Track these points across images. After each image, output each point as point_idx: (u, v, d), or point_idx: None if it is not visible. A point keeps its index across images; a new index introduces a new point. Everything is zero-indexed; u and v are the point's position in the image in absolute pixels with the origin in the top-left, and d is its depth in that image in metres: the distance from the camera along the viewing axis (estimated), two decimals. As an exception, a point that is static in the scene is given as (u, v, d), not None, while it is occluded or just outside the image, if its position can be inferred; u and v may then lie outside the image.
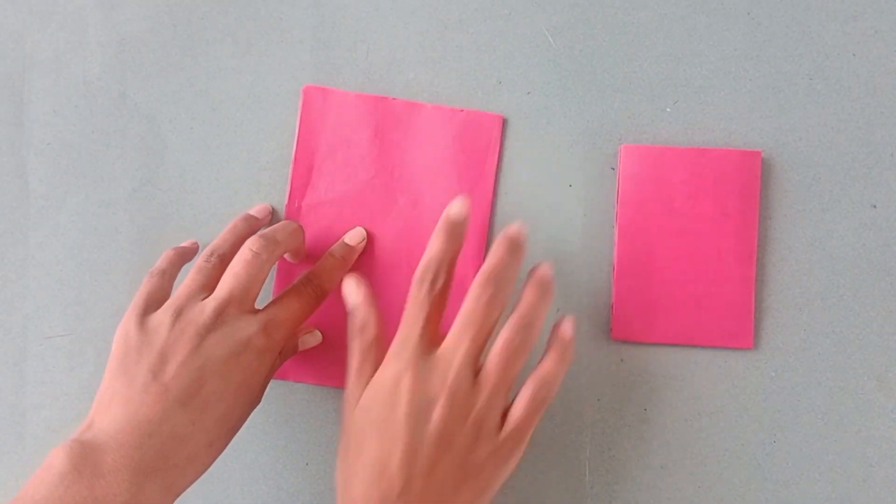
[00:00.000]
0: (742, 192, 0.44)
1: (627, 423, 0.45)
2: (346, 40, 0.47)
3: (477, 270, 0.44)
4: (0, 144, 0.48)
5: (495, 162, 0.46)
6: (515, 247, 0.37)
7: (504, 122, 0.46)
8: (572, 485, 0.45)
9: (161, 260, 0.41)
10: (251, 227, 0.43)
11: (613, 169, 0.46)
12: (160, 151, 0.47)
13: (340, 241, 0.45)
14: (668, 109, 0.46)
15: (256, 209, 0.45)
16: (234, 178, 0.47)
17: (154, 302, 0.38)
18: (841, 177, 0.45)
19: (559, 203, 0.46)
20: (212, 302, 0.37)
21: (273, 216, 0.46)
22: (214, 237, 0.46)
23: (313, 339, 0.45)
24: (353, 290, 0.39)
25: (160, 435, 0.34)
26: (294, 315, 0.39)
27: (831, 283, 0.45)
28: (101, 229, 0.47)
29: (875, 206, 0.45)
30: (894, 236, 0.45)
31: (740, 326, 0.44)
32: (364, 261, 0.46)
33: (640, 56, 0.46)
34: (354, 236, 0.45)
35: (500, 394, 0.36)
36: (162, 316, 0.37)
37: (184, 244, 0.44)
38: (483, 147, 0.46)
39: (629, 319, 0.44)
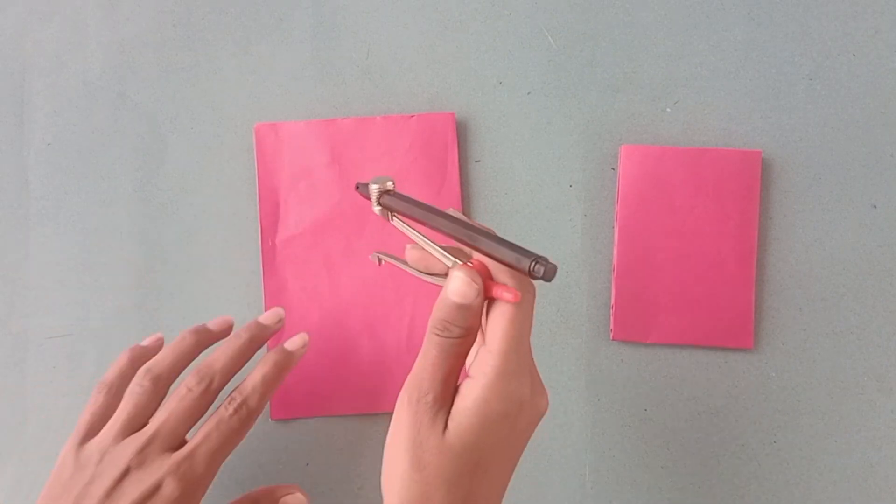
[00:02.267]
0: (742, 192, 0.44)
1: (627, 423, 0.45)
2: (346, 40, 0.47)
3: None
4: (0, 144, 0.48)
5: (456, 159, 0.46)
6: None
7: (455, 119, 0.46)
8: (572, 485, 0.45)
9: (111, 371, 0.41)
10: (199, 341, 0.41)
11: (613, 169, 0.46)
12: (160, 151, 0.47)
13: (279, 346, 0.41)
14: (668, 109, 0.46)
15: (214, 322, 0.42)
16: (235, 179, 0.47)
17: (96, 425, 0.39)
18: (841, 177, 0.45)
19: (559, 203, 0.46)
20: (135, 441, 0.37)
21: (234, 326, 0.43)
22: (214, 238, 0.46)
23: (296, 502, 0.41)
24: (471, 292, 0.32)
25: None
26: (215, 448, 0.38)
27: (831, 283, 0.45)
28: (101, 229, 0.47)
29: (875, 206, 0.45)
30: (894, 236, 0.45)
31: (740, 326, 0.44)
32: (347, 277, 0.45)
33: (640, 56, 0.46)
34: (296, 341, 0.42)
35: None
36: (93, 450, 0.38)
37: (144, 342, 0.43)
38: (441, 147, 0.46)
39: (629, 319, 0.44)
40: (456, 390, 0.33)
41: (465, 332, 0.32)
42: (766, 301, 0.45)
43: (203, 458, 0.37)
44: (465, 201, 0.46)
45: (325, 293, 0.45)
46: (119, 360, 0.41)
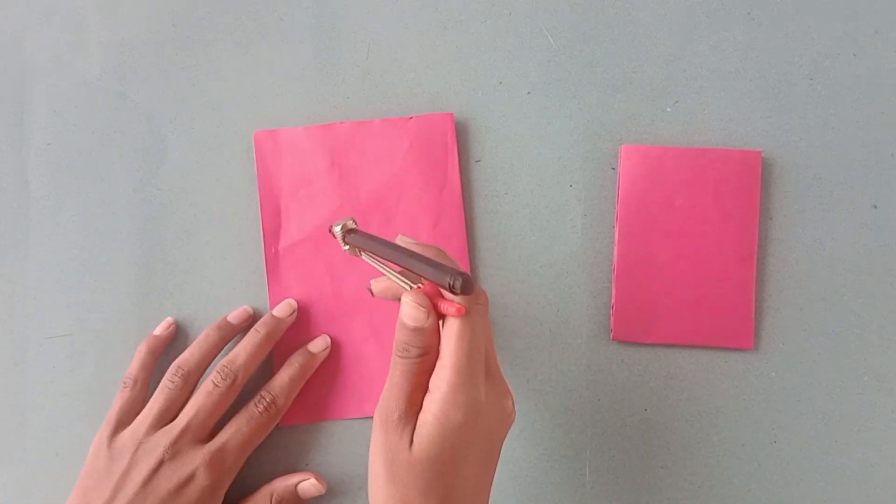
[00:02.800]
0: (742, 192, 0.44)
1: (627, 423, 0.45)
2: (346, 40, 0.47)
3: (463, 265, 0.45)
4: (0, 145, 0.48)
5: (456, 159, 0.46)
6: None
7: (454, 119, 0.46)
8: (572, 485, 0.45)
9: (133, 364, 0.43)
10: (223, 337, 0.44)
11: (614, 169, 0.46)
12: (160, 151, 0.47)
13: (303, 348, 0.44)
14: (668, 109, 0.46)
15: (234, 314, 0.45)
16: (234, 178, 0.47)
17: (126, 417, 0.42)
18: (841, 177, 0.45)
19: (559, 203, 0.46)
20: (168, 434, 0.40)
21: (255, 316, 0.46)
22: (214, 238, 0.46)
23: (313, 489, 0.44)
24: (420, 315, 0.34)
25: None
26: (245, 441, 0.41)
27: (831, 283, 0.45)
28: (102, 229, 0.47)
29: (875, 206, 0.45)
30: (894, 236, 0.45)
31: (740, 327, 0.44)
32: (350, 282, 0.45)
33: (640, 56, 0.46)
34: (318, 343, 0.45)
35: None
36: (127, 440, 0.40)
37: (156, 331, 0.45)
38: (441, 147, 0.46)
39: (629, 319, 0.44)
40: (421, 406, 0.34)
41: (422, 351, 0.34)
42: (766, 301, 0.45)
43: (233, 450, 0.41)
44: (466, 201, 0.46)
45: (329, 298, 0.45)
46: (138, 353, 0.44)
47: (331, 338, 0.45)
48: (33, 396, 0.46)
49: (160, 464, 0.39)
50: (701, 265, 0.44)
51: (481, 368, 0.34)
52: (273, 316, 0.44)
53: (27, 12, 0.48)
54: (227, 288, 0.46)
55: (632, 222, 0.45)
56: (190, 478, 0.39)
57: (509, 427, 0.37)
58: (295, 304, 0.45)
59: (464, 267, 0.45)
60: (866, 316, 0.45)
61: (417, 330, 0.34)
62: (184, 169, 0.47)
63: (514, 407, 0.37)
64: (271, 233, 0.46)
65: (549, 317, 0.45)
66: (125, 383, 0.43)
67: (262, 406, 0.42)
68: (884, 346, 0.44)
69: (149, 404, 0.42)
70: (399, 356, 0.35)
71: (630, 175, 0.45)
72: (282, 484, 0.43)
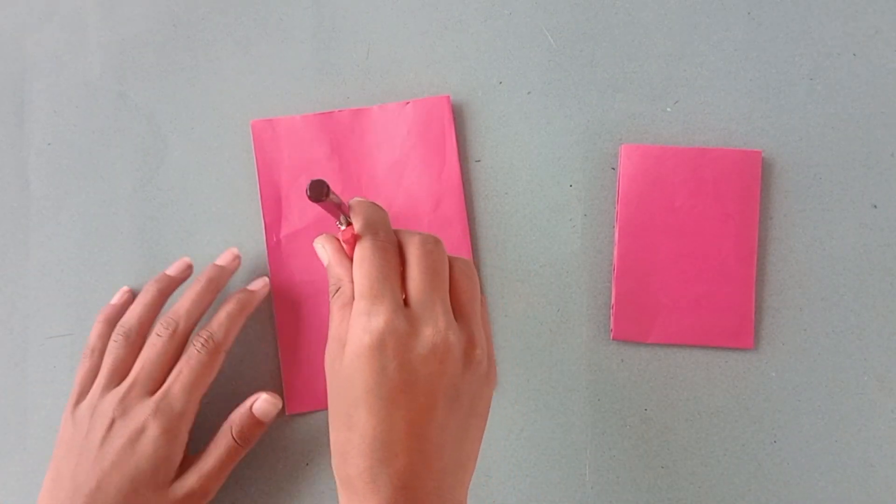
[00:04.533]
0: (742, 192, 0.44)
1: (627, 423, 0.45)
2: (346, 40, 0.47)
3: (464, 252, 0.45)
4: (1, 145, 0.48)
5: (454, 142, 0.46)
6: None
7: (451, 102, 0.46)
8: (572, 485, 0.45)
9: (91, 335, 0.43)
10: (162, 290, 0.44)
11: (614, 169, 0.46)
12: (160, 151, 0.47)
13: (242, 287, 0.44)
14: (668, 109, 0.46)
15: (173, 266, 0.45)
16: (235, 178, 0.47)
17: (86, 387, 0.42)
18: (841, 177, 0.45)
19: (559, 203, 0.46)
20: (117, 393, 0.40)
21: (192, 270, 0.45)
22: (214, 238, 0.46)
23: (269, 406, 0.43)
24: (321, 251, 0.38)
25: None
26: (188, 382, 0.41)
27: (831, 283, 0.45)
28: (102, 229, 0.47)
29: (875, 206, 0.45)
30: (894, 236, 0.45)
31: (740, 326, 0.44)
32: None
33: (640, 56, 0.46)
34: (257, 283, 0.45)
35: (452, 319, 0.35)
36: (84, 408, 0.41)
37: (113, 300, 0.45)
38: (438, 131, 0.46)
39: (629, 319, 0.44)
40: None
41: (335, 286, 0.37)
42: (766, 301, 0.45)
43: (178, 393, 0.40)
44: (466, 201, 0.46)
45: None
46: (96, 324, 0.44)
47: None
48: (33, 396, 0.46)
49: (112, 422, 0.40)
50: (701, 265, 0.44)
51: (391, 296, 0.34)
52: (215, 265, 0.44)
53: (27, 12, 0.48)
54: (227, 288, 0.46)
55: (632, 222, 0.45)
56: (141, 430, 0.39)
57: (478, 379, 0.35)
58: (237, 252, 0.45)
59: (465, 253, 0.45)
60: (866, 316, 0.45)
61: (328, 267, 0.37)
62: (184, 169, 0.47)
63: (487, 362, 0.36)
64: (272, 222, 0.46)
65: (549, 317, 0.45)
66: (85, 354, 0.43)
67: (198, 343, 0.41)
68: (884, 346, 0.44)
69: (100, 370, 0.42)
70: (330, 299, 0.37)
71: (630, 175, 0.45)
72: (237, 414, 0.42)
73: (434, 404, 0.33)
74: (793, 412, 0.44)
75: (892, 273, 0.45)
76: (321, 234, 0.41)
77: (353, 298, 0.35)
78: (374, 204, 0.38)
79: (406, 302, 0.34)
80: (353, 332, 0.33)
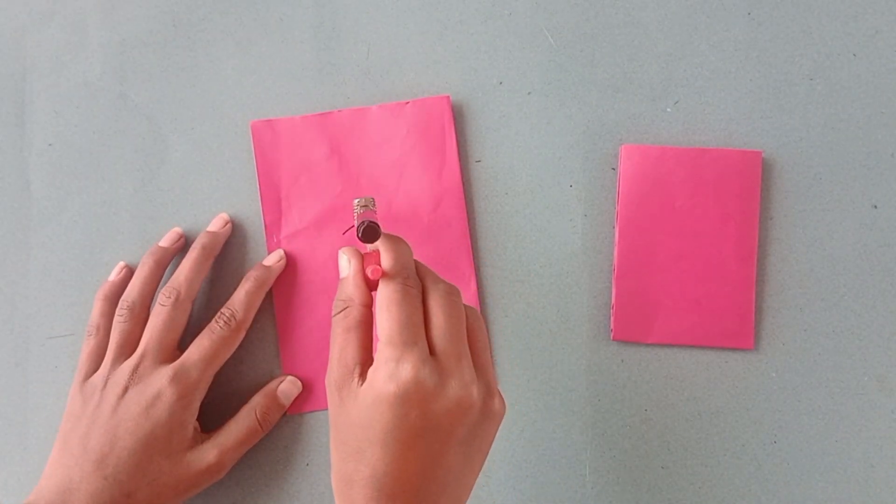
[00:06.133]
0: (742, 192, 0.44)
1: (627, 423, 0.45)
2: (346, 40, 0.47)
3: (463, 257, 0.45)
4: (1, 145, 0.48)
5: (454, 142, 0.46)
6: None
7: (451, 102, 0.46)
8: (572, 485, 0.45)
9: (93, 314, 0.44)
10: (158, 261, 0.44)
11: (614, 169, 0.46)
12: (160, 151, 0.47)
13: (258, 263, 0.45)
14: (668, 109, 0.46)
15: (165, 238, 0.46)
16: (235, 178, 0.47)
17: (93, 363, 0.43)
18: (841, 177, 0.45)
19: (559, 203, 0.46)
20: (130, 363, 0.41)
21: (188, 239, 0.46)
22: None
23: (293, 387, 0.45)
24: (344, 264, 0.38)
25: (79, 493, 0.38)
26: (208, 354, 0.41)
27: (831, 283, 0.45)
28: (102, 229, 0.47)
29: (875, 206, 0.45)
30: (894, 236, 0.45)
31: (740, 327, 0.44)
32: None
33: (640, 56, 0.46)
34: (272, 257, 0.45)
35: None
36: (96, 380, 0.41)
37: (111, 277, 0.45)
38: (438, 131, 0.46)
39: (629, 319, 0.44)
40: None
41: (345, 304, 0.36)
42: (766, 301, 0.45)
43: (197, 363, 0.41)
44: (466, 201, 0.46)
45: (334, 285, 0.45)
46: (96, 302, 0.44)
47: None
48: (34, 396, 0.46)
49: (125, 390, 0.40)
50: (701, 265, 0.44)
51: (420, 345, 0.34)
52: (208, 231, 0.45)
53: (27, 12, 0.48)
54: (228, 288, 0.46)
55: (632, 222, 0.45)
56: (157, 396, 0.40)
57: (491, 424, 0.36)
58: (227, 217, 0.46)
59: (465, 253, 0.45)
60: (866, 316, 0.45)
61: (343, 280, 0.37)
62: (184, 169, 0.47)
63: (502, 406, 0.36)
64: (273, 222, 0.46)
65: (549, 317, 0.45)
66: (89, 332, 0.43)
67: (222, 321, 0.42)
68: (884, 346, 0.44)
69: (109, 345, 0.42)
70: (333, 315, 0.36)
71: (630, 175, 0.45)
72: (261, 397, 0.44)
73: (448, 450, 0.34)
74: (793, 412, 0.44)
75: (892, 273, 0.45)
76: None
77: (361, 323, 0.36)
78: (405, 242, 0.37)
79: (430, 349, 0.35)
80: (378, 376, 0.34)
